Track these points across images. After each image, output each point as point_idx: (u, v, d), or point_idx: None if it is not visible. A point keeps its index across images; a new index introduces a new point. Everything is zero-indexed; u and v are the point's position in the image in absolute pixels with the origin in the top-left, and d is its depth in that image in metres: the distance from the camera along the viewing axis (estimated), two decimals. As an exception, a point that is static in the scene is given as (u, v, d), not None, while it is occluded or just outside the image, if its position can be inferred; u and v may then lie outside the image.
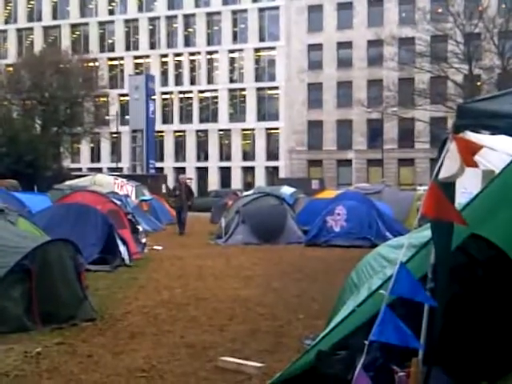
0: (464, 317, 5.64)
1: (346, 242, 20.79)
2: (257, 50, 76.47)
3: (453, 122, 4.44)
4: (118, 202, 20.25)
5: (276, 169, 74.56)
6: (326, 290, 11.55)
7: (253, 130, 75.91)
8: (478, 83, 55.30)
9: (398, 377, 5.27)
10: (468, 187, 7.44)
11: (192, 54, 78.82)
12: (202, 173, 77.04)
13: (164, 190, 50.22)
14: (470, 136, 4.39)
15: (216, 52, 77.77)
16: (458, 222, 4.51)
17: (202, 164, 77.47)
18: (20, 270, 8.66)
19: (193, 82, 79.16)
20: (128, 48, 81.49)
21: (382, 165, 64.89)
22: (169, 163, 76.91)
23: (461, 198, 5.16)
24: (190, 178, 66.85)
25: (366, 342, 4.48)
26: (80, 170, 68.24)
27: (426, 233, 5.30)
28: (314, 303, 10.93)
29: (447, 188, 4.38)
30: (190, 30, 79.33)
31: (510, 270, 5.84)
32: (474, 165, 4.34)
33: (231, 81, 77.90)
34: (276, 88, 75.49)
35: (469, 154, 4.24)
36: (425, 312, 4.75)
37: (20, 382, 6.66)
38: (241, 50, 76.77)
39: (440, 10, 59.63)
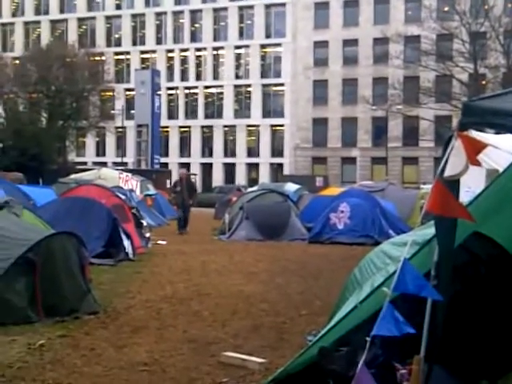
0: (466, 315, 5.65)
1: (349, 239, 20.81)
2: (263, 46, 76.38)
3: (458, 119, 4.44)
4: (123, 197, 20.29)
5: (280, 165, 74.51)
6: (329, 287, 11.59)
7: (258, 126, 75.84)
8: (483, 82, 55.18)
9: (400, 374, 5.28)
10: (472, 186, 7.45)
11: (198, 49, 78.78)
12: (207, 168, 77.04)
13: (168, 186, 50.26)
14: (474, 135, 4.40)
15: (222, 48, 77.71)
16: (465, 218, 4.50)
17: (206, 160, 77.45)
18: (24, 263, 8.69)
19: (198, 77, 79.11)
20: (134, 43, 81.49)
21: (386, 163, 64.86)
22: (173, 158, 76.84)
23: (464, 197, 5.16)
24: (194, 174, 66.87)
25: (368, 339, 4.49)
26: (85, 163, 68.36)
27: (429, 230, 5.31)
28: (317, 300, 10.94)
29: (452, 185, 4.39)
30: (197, 25, 79.27)
31: (513, 268, 5.85)
32: (478, 164, 4.34)
33: (237, 77, 77.83)
34: (281, 85, 75.42)
35: (473, 152, 4.24)
36: (427, 309, 4.76)
37: (23, 374, 6.69)
38: (247, 46, 76.69)
39: (446, 9, 59.47)
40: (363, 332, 5.01)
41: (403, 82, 63.26)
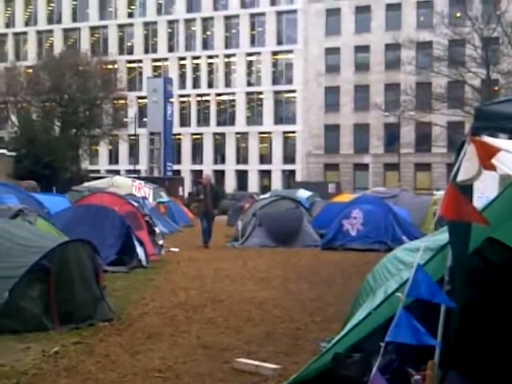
0: (480, 321, 5.64)
1: (362, 245, 20.76)
2: (274, 53, 76.52)
3: (471, 124, 4.44)
4: (136, 204, 20.36)
5: (293, 172, 74.51)
6: (342, 294, 11.57)
7: (270, 133, 75.91)
8: (496, 88, 55.07)
9: (414, 380, 5.27)
10: (485, 192, 7.45)
11: (210, 57, 78.98)
12: (219, 176, 77.13)
13: (181, 193, 50.37)
14: (487, 139, 4.40)
15: (234, 55, 77.89)
16: (479, 222, 4.49)
17: (218, 167, 77.53)
18: (39, 270, 8.72)
19: (210, 84, 79.29)
20: (147, 51, 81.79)
21: (399, 169, 64.74)
22: (186, 166, 77.05)
23: (477, 203, 5.16)
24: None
25: (382, 344, 4.49)
26: (98, 171, 68.62)
27: (442, 236, 5.31)
28: (330, 306, 10.93)
29: (465, 190, 4.38)
30: (208, 33, 79.52)
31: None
32: (492, 168, 4.34)
33: (249, 84, 77.95)
34: (293, 91, 75.48)
35: (486, 156, 4.24)
36: (441, 315, 4.76)
37: (38, 381, 6.72)
38: (258, 54, 76.84)
39: (458, 14, 59.45)
40: (377, 338, 5.01)
41: (415, 87, 63.17)
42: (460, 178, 4.31)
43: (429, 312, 4.90)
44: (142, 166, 69.63)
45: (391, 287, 5.79)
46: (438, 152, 64.53)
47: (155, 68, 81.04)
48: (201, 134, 79.04)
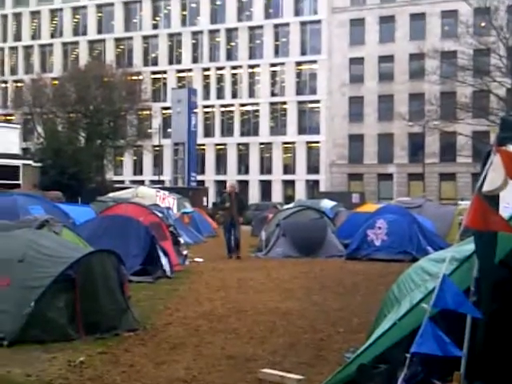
0: (506, 331, 5.59)
1: (386, 255, 20.64)
2: (298, 63, 76.58)
3: (496, 134, 4.43)
4: (160, 215, 20.42)
5: (316, 182, 74.42)
6: (367, 304, 11.53)
7: (293, 143, 75.91)
8: (521, 97, 54.70)
9: (440, 391, 5.24)
10: (510, 202, 7.38)
11: (234, 67, 79.22)
12: (243, 186, 77.17)
13: (205, 203, 50.48)
14: (513, 149, 4.38)
15: (257, 66, 78.06)
16: (508, 231, 4.47)
17: (242, 177, 77.57)
18: (64, 280, 8.77)
19: (234, 95, 79.51)
20: (171, 62, 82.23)
21: (423, 179, 64.36)
22: (210, 176, 77.23)
23: (503, 213, 5.12)
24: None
25: (408, 355, 4.47)
26: (123, 182, 68.98)
27: (468, 247, 5.28)
28: (355, 317, 10.88)
29: (491, 200, 4.36)
30: (232, 43, 79.77)
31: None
32: (518, 178, 4.32)
33: (272, 94, 78.07)
34: (317, 101, 75.44)
35: (512, 167, 4.22)
36: (467, 325, 4.73)
37: (64, 390, 6.77)
38: (282, 64, 76.94)
39: (483, 24, 59.10)
40: (402, 349, 4.99)
41: (440, 97, 62.85)
42: (486, 188, 4.29)
43: (454, 323, 4.87)
44: (167, 176, 69.96)
45: (416, 298, 5.76)
46: (463, 162, 64.10)
47: (179, 79, 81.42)
48: (225, 144, 79.22)
